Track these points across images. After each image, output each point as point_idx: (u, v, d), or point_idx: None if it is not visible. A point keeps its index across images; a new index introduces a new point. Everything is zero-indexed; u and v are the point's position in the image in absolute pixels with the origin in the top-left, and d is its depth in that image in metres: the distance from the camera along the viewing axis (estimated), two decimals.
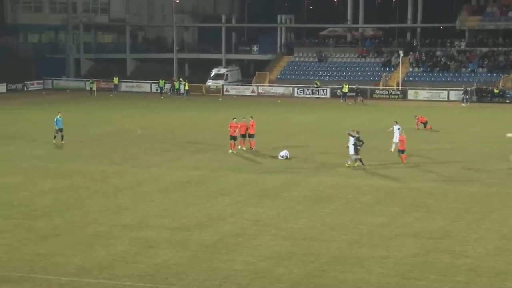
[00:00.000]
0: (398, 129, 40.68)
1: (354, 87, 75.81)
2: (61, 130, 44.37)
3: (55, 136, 44.50)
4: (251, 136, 41.26)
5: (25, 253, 22.26)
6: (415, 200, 29.88)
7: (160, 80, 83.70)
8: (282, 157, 38.70)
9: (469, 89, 74.93)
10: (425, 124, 51.86)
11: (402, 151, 38.05)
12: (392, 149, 40.68)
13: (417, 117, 52.31)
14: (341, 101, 75.12)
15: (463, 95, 73.82)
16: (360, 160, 36.68)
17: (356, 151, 36.41)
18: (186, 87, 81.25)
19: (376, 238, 24.19)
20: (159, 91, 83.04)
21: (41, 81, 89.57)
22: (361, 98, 73.91)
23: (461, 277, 20.57)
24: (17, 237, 23.92)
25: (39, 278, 20.13)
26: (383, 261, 21.73)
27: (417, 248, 23.06)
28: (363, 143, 36.78)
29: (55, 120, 44.71)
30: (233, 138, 40.29)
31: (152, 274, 20.51)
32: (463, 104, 72.26)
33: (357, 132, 36.92)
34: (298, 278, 20.32)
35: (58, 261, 21.52)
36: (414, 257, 22.20)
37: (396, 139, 40.43)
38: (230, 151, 40.00)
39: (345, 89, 76.34)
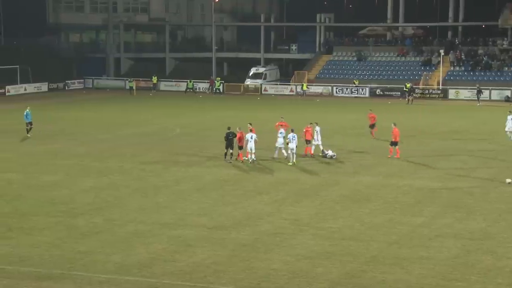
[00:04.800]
0: (316, 131, 39.75)
1: (408, 85, 75.38)
2: (30, 123, 46.57)
3: (27, 130, 46.59)
4: (308, 142, 39.84)
5: (66, 251, 22.48)
6: (455, 200, 29.54)
7: (188, 81, 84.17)
8: (327, 155, 38.61)
9: (482, 88, 73.82)
10: (373, 125, 46.54)
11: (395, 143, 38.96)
12: (313, 151, 39.84)
13: (370, 111, 47.81)
14: (407, 99, 74.93)
15: (477, 95, 72.72)
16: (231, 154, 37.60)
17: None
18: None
19: (416, 239, 23.95)
20: (187, 90, 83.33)
21: (82, 80, 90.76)
22: (412, 98, 73.22)
23: (503, 279, 20.25)
24: (58, 235, 24.18)
25: (79, 275, 20.31)
26: (423, 262, 21.52)
27: (458, 249, 22.79)
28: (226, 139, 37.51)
29: (24, 114, 46.75)
30: (240, 147, 38.22)
31: (190, 273, 20.55)
32: (478, 104, 70.88)
33: (228, 128, 37.93)
34: (337, 278, 20.20)
35: (98, 259, 21.70)
36: (455, 258, 21.95)
37: (318, 141, 39.55)
38: (245, 159, 37.94)
39: (407, 88, 76.08)
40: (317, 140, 39.69)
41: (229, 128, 38.05)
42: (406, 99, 73.10)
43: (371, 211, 27.65)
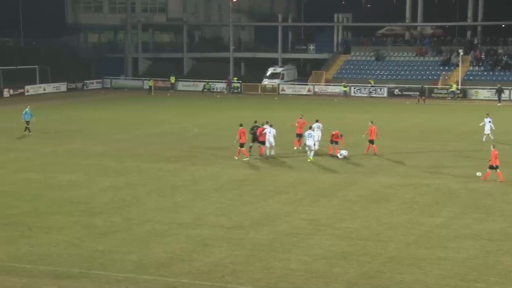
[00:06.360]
0: (318, 127, 40.25)
1: (454, 86, 75.10)
2: (28, 122, 47.45)
3: (25, 128, 47.47)
4: (334, 142, 39.59)
5: (84, 250, 22.54)
6: (474, 200, 29.34)
7: (205, 83, 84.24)
8: (340, 155, 38.64)
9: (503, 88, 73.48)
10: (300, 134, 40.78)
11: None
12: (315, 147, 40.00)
13: (301, 117, 42.89)
14: (449, 99, 74.56)
15: (496, 94, 72.41)
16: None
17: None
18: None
19: (434, 239, 23.81)
20: (204, 90, 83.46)
21: (100, 80, 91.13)
22: (423, 97, 73.01)
23: None
24: (76, 234, 24.24)
25: (97, 274, 20.35)
26: (441, 263, 21.38)
27: (477, 250, 22.63)
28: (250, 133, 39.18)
29: (23, 112, 47.69)
30: (242, 145, 38.39)
31: (208, 272, 20.53)
32: (498, 104, 70.51)
33: (255, 122, 39.86)
34: (354, 279, 20.12)
35: (116, 258, 21.73)
36: (473, 259, 21.80)
37: (317, 138, 39.71)
38: (240, 158, 38.27)
39: (453, 88, 75.53)
40: (317, 136, 39.76)
41: (255, 122, 39.42)
42: (419, 99, 72.77)
43: (389, 211, 27.51)
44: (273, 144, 38.65)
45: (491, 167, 33.07)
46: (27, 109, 48.05)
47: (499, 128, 47.39)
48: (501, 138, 45.87)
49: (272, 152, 38.79)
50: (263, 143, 38.77)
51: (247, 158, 38.19)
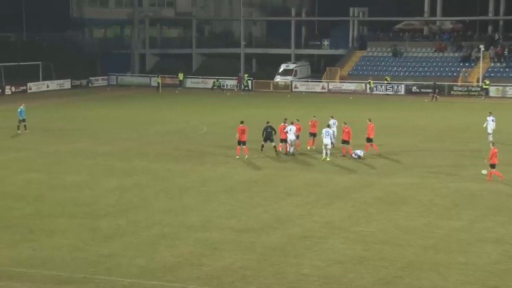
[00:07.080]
0: (334, 123, 40.61)
1: (487, 83, 74.62)
2: (23, 120, 47.38)
3: (18, 127, 47.42)
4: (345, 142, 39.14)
5: (89, 254, 22.26)
6: (496, 203, 28.78)
7: (215, 80, 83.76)
8: (355, 155, 38.04)
9: None
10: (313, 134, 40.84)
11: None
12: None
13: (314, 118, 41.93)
14: (482, 98, 73.49)
15: None
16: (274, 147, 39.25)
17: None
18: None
19: (454, 243, 23.35)
20: (214, 88, 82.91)
21: (106, 77, 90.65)
22: (434, 95, 71.92)
23: None
24: (80, 237, 23.94)
25: (102, 279, 20.11)
26: (461, 268, 20.97)
27: (499, 255, 22.17)
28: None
29: (18, 110, 47.66)
30: (243, 143, 38.15)
31: (218, 277, 20.24)
32: None
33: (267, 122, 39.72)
34: (370, 284, 19.71)
35: (122, 262, 21.44)
36: (495, 264, 21.35)
37: (334, 135, 39.85)
38: (237, 157, 38.14)
39: (487, 85, 74.63)
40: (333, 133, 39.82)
41: (267, 123, 39.35)
42: (436, 97, 71.78)
43: (407, 214, 27.00)
44: (293, 142, 39.18)
45: (492, 166, 32.69)
46: (21, 107, 47.75)
47: None
48: None
49: (291, 150, 39.15)
50: (284, 141, 39.10)
51: (238, 157, 37.91)
